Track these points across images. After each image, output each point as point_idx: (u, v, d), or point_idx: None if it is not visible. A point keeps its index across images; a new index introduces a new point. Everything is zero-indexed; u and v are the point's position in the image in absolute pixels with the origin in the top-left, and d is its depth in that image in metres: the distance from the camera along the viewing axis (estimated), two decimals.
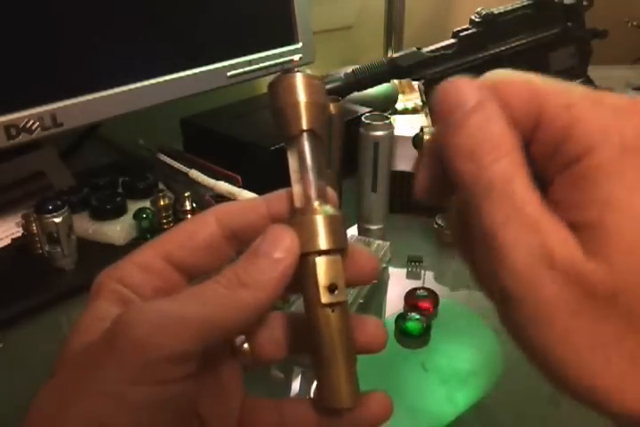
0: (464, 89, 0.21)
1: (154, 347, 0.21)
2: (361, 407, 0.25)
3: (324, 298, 0.24)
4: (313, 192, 0.26)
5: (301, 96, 0.26)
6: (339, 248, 0.25)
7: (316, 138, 0.26)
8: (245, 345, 0.27)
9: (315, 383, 0.49)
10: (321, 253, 0.24)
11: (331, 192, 0.26)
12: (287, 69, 0.27)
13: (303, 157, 0.26)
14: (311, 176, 0.26)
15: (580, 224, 0.19)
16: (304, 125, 0.26)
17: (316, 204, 0.25)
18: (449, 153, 0.21)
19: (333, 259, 0.24)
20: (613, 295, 0.18)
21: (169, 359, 0.21)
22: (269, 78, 0.27)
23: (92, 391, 0.21)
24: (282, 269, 0.23)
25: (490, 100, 0.21)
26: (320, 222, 0.24)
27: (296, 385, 0.50)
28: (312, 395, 0.48)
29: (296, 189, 0.26)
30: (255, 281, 0.23)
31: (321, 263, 0.24)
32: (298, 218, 0.25)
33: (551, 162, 0.21)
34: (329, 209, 0.25)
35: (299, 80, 0.26)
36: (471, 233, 0.21)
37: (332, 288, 0.24)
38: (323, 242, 0.24)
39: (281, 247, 0.24)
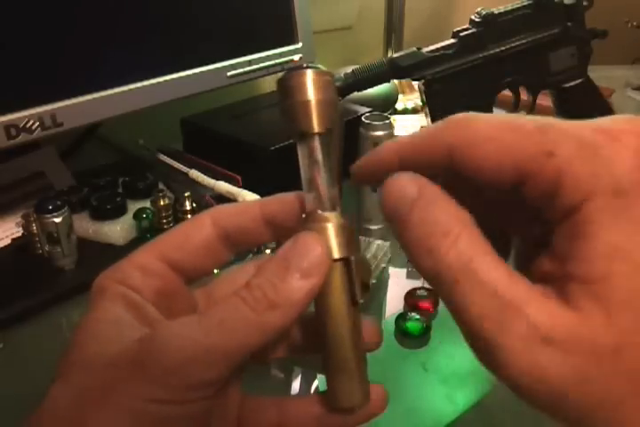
0: (402, 184, 0.22)
1: (183, 375, 0.21)
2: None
3: (358, 297, 0.24)
4: (325, 199, 0.25)
5: (312, 94, 0.25)
6: (355, 257, 0.25)
7: (327, 137, 0.26)
8: None
9: (316, 383, 0.49)
10: (341, 260, 0.24)
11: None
12: (297, 66, 0.26)
13: (315, 159, 0.25)
14: (324, 180, 0.25)
15: (585, 279, 0.18)
16: (315, 125, 0.25)
17: (326, 212, 0.25)
18: (406, 250, 0.21)
19: (358, 260, 0.24)
20: (617, 351, 0.18)
21: (197, 386, 0.22)
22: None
23: (115, 406, 0.21)
24: (311, 285, 0.23)
25: (427, 187, 0.21)
26: (332, 230, 0.24)
27: (296, 385, 0.50)
28: (312, 392, 0.48)
29: (307, 194, 0.26)
30: (285, 302, 0.22)
31: (353, 265, 0.24)
32: (310, 225, 0.24)
33: (548, 212, 0.20)
34: (342, 219, 0.25)
35: (309, 77, 0.25)
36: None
37: (363, 288, 0.24)
38: (343, 250, 0.24)
39: (313, 261, 0.23)
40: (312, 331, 0.26)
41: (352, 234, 0.25)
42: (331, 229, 0.24)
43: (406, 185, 0.22)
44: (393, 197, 0.22)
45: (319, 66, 0.26)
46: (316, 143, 0.25)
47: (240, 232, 0.26)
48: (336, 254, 0.24)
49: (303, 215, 0.26)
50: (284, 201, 0.27)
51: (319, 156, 0.25)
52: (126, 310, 0.24)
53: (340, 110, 0.72)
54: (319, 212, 0.25)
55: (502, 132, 0.21)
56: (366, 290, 0.25)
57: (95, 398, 0.22)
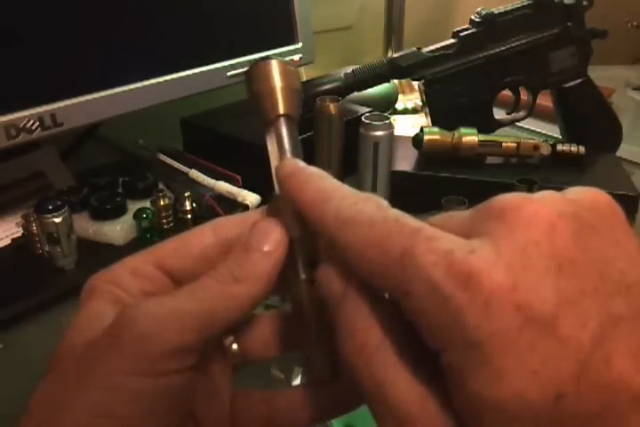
0: (329, 278, 0.22)
1: (157, 341, 0.22)
2: (344, 386, 0.26)
3: (304, 274, 0.25)
4: None
5: (277, 81, 0.27)
6: None
7: (293, 122, 0.27)
8: (234, 346, 0.27)
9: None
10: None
11: None
12: (262, 57, 0.28)
13: (281, 141, 0.27)
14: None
15: (464, 424, 0.19)
16: (281, 110, 0.27)
17: None
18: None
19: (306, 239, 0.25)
20: None
21: (171, 352, 0.22)
22: None
23: (96, 382, 0.22)
24: (272, 261, 0.24)
25: (352, 287, 0.22)
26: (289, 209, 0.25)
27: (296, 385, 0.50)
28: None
29: (275, 174, 0.26)
30: (248, 275, 0.24)
31: (298, 243, 0.25)
32: (278, 202, 0.25)
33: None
34: None
35: (274, 66, 0.27)
36: None
37: (311, 264, 0.25)
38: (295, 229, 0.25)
39: (270, 241, 0.24)
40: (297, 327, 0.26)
41: None
42: (288, 208, 0.25)
43: (334, 280, 0.22)
44: (322, 290, 0.23)
45: (284, 59, 0.28)
46: (282, 127, 0.27)
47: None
48: (294, 233, 0.25)
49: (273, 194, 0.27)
50: None
51: (285, 137, 0.27)
52: (113, 307, 0.24)
53: (341, 111, 0.71)
54: (280, 197, 0.26)
55: (372, 249, 0.20)
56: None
57: (76, 378, 0.22)
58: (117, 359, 0.22)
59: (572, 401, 0.17)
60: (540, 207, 0.19)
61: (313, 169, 0.24)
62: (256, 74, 0.27)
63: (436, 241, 0.19)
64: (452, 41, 0.79)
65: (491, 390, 0.18)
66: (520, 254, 0.18)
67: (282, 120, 0.27)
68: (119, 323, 0.22)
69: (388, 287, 0.20)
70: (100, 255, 0.63)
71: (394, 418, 0.20)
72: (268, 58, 0.28)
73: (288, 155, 0.26)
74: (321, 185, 0.23)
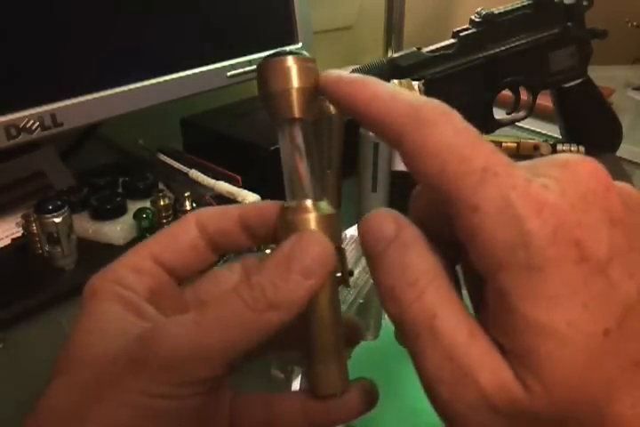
0: (381, 221, 0.22)
1: (182, 373, 0.22)
2: (347, 395, 0.26)
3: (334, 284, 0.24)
4: (307, 186, 0.25)
5: (293, 81, 0.24)
6: (338, 247, 0.25)
7: (307, 124, 0.25)
8: None
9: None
10: None
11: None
12: (278, 51, 0.25)
13: (295, 146, 0.25)
14: (304, 167, 0.25)
15: (511, 351, 0.19)
16: (296, 113, 0.24)
17: (308, 202, 0.25)
18: (377, 290, 0.21)
19: (341, 249, 0.25)
20: (561, 421, 0.19)
21: (195, 382, 0.22)
22: None
23: (114, 400, 0.22)
24: (313, 283, 0.23)
25: (406, 229, 0.21)
26: (315, 222, 0.24)
27: (296, 385, 0.50)
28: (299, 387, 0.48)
29: (288, 181, 0.25)
30: (284, 300, 0.22)
31: (342, 254, 0.24)
32: (291, 216, 0.24)
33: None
34: (324, 207, 0.25)
35: (290, 63, 0.24)
36: None
37: (344, 276, 0.25)
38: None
39: (316, 261, 0.23)
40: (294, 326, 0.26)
41: (334, 222, 0.25)
42: (312, 220, 0.24)
43: (385, 222, 0.22)
44: (370, 232, 0.22)
45: (303, 52, 0.25)
46: (296, 131, 0.25)
47: (220, 234, 0.27)
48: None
49: (284, 204, 0.25)
50: (261, 208, 0.27)
51: (300, 142, 0.25)
52: (124, 309, 0.24)
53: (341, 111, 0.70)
54: (300, 202, 0.25)
55: (452, 153, 0.20)
56: (351, 276, 0.25)
57: (95, 393, 0.22)
58: (140, 383, 0.22)
59: (616, 340, 0.18)
60: (598, 167, 0.21)
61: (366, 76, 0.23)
62: (269, 70, 0.24)
63: (515, 168, 0.20)
64: (452, 41, 0.79)
65: (546, 315, 0.18)
66: (582, 199, 0.19)
67: (297, 124, 0.25)
68: (144, 350, 0.22)
69: (454, 197, 0.20)
70: (100, 255, 0.63)
71: (443, 352, 0.20)
72: (283, 53, 0.24)
73: (303, 163, 0.25)
74: (383, 86, 0.22)
